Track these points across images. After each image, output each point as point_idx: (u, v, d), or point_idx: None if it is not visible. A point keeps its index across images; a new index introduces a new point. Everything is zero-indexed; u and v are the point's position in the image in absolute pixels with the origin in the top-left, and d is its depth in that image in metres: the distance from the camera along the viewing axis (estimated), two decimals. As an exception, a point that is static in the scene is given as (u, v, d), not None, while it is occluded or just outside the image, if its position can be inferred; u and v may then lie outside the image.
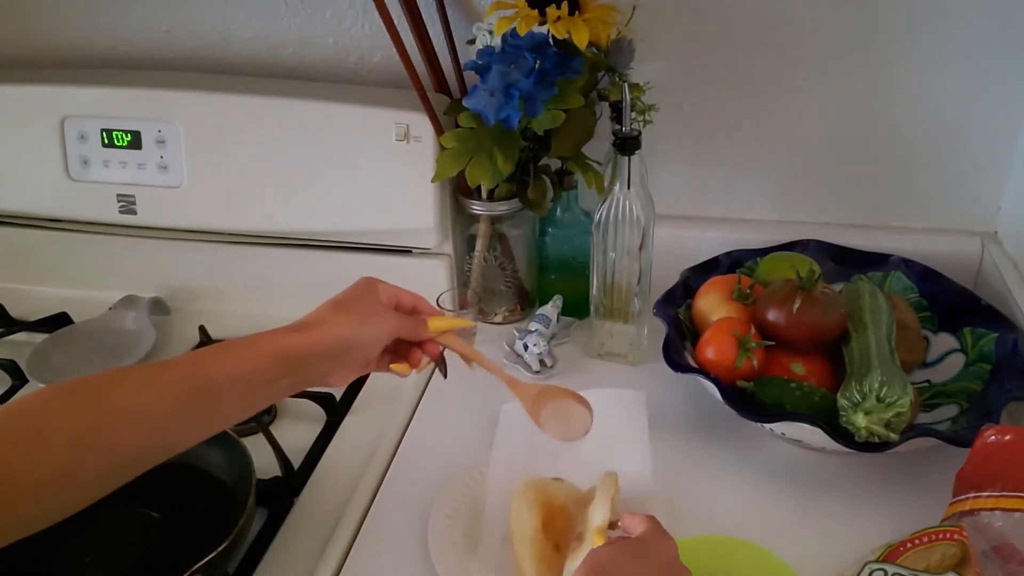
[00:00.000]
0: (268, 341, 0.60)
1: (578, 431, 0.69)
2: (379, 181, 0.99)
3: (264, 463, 0.81)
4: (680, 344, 0.87)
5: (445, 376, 0.74)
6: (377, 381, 0.97)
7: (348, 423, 0.91)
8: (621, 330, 0.95)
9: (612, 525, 0.65)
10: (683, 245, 1.02)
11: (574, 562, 0.65)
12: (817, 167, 1.01)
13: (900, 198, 1.02)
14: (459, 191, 1.00)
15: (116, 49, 1.11)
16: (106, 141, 1.04)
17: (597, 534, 0.64)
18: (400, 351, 0.71)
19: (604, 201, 0.88)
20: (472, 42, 0.93)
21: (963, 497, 0.67)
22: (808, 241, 1.00)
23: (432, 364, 0.73)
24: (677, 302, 0.93)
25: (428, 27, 0.96)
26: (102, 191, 1.06)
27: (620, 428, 0.84)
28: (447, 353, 0.73)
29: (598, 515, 0.66)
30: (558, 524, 0.70)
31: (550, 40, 0.86)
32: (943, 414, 0.81)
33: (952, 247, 0.99)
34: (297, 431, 0.90)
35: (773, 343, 0.84)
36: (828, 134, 0.99)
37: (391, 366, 0.71)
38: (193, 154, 1.02)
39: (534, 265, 1.05)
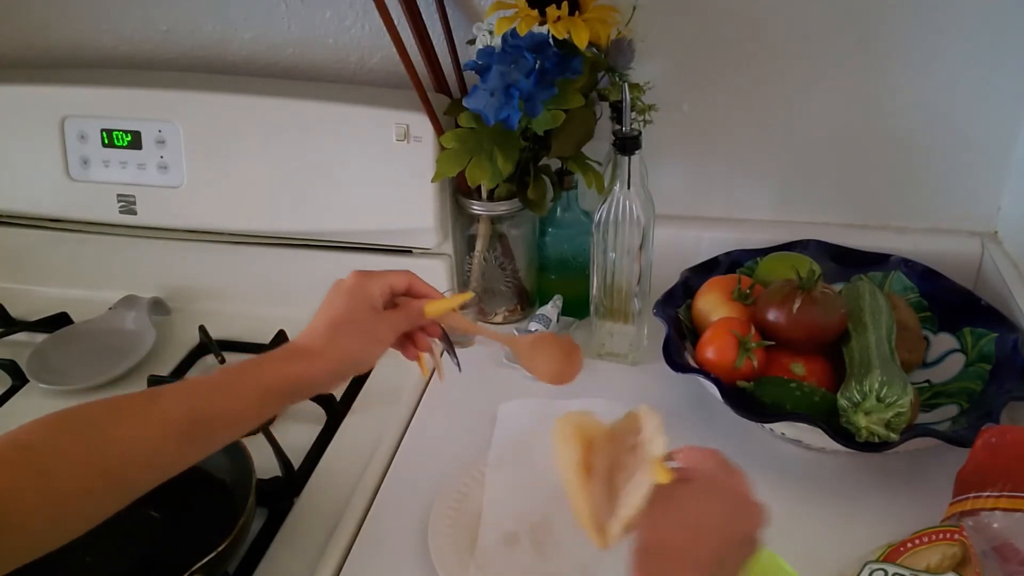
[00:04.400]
0: (266, 372, 0.60)
1: (571, 372, 0.70)
2: (379, 181, 0.99)
3: (264, 463, 0.81)
4: (680, 344, 0.87)
5: (459, 367, 0.74)
6: (377, 381, 0.97)
7: (348, 423, 0.91)
8: (621, 330, 0.95)
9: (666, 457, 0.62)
10: (683, 245, 1.02)
11: (630, 496, 0.61)
12: (817, 167, 1.01)
13: (900, 198, 1.02)
14: (459, 191, 1.00)
15: (116, 49, 1.11)
16: (106, 141, 1.04)
17: (660, 468, 0.60)
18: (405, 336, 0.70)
19: (604, 201, 0.88)
20: (472, 42, 0.93)
21: (963, 497, 0.67)
22: (808, 241, 1.00)
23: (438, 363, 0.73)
24: (677, 302, 0.93)
25: (428, 27, 0.96)
26: (102, 191, 1.06)
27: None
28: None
29: (655, 447, 0.62)
30: (598, 456, 0.68)
31: (550, 40, 0.86)
32: (943, 414, 0.81)
33: (952, 247, 0.99)
34: (297, 431, 0.89)
35: (773, 343, 0.84)
36: (828, 134, 0.99)
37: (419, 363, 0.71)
38: (193, 154, 1.02)
39: (534, 265, 1.05)
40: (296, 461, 0.84)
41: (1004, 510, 0.63)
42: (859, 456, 0.76)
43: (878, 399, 0.73)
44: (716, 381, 0.79)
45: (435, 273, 1.03)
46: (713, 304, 0.90)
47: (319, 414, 0.92)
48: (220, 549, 0.66)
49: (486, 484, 0.78)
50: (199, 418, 0.56)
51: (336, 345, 0.63)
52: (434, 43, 0.97)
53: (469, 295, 0.73)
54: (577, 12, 0.85)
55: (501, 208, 0.98)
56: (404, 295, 0.70)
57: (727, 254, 0.99)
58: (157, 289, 1.11)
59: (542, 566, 0.71)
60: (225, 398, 0.58)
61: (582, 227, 1.00)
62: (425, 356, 0.72)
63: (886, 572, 0.63)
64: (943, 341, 0.90)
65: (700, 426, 0.86)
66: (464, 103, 0.88)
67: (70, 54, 1.12)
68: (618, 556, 0.71)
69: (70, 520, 0.50)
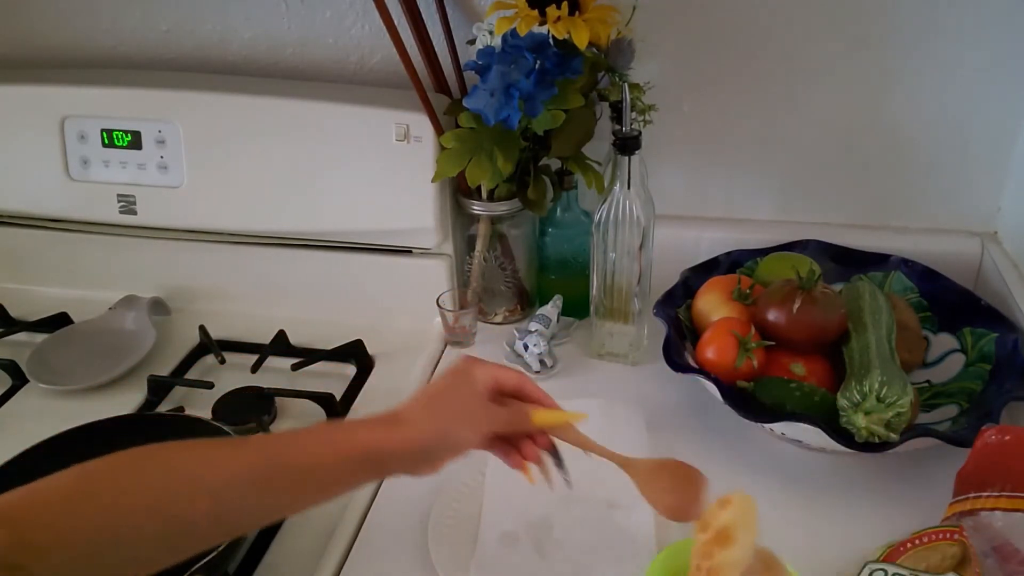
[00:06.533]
0: (354, 436, 0.58)
1: (694, 509, 0.62)
2: (379, 181, 0.99)
3: (264, 463, 0.81)
4: (680, 344, 0.87)
5: (569, 484, 0.67)
6: (377, 381, 0.98)
7: (348, 423, 0.91)
8: (621, 330, 0.95)
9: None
10: (683, 245, 1.02)
11: None
12: (817, 167, 1.01)
13: (900, 198, 1.02)
14: (459, 191, 1.00)
15: (116, 49, 1.11)
16: (106, 141, 1.04)
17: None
18: (506, 438, 0.66)
19: (604, 201, 0.88)
20: (472, 42, 0.93)
21: (963, 497, 0.67)
22: (808, 241, 1.00)
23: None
24: (677, 302, 0.93)
25: (428, 27, 0.96)
26: (102, 191, 1.06)
27: (619, 431, 0.84)
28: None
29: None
30: None
31: (550, 40, 0.86)
32: (943, 414, 0.81)
33: (952, 247, 0.99)
34: (297, 431, 0.90)
35: (773, 343, 0.84)
36: (828, 134, 0.99)
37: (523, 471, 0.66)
38: (193, 154, 1.02)
39: (534, 265, 1.05)
40: (296, 461, 0.84)
41: (1004, 510, 0.63)
42: (859, 456, 0.76)
43: (878, 399, 0.73)
44: (716, 381, 0.79)
45: (435, 273, 1.03)
46: (713, 304, 0.90)
47: (319, 414, 0.92)
48: (220, 549, 0.66)
49: (486, 484, 0.78)
50: (276, 470, 0.54)
51: (429, 418, 0.60)
52: (434, 43, 0.97)
53: (584, 415, 0.65)
54: (577, 12, 0.85)
55: (501, 208, 0.98)
56: (512, 395, 0.66)
57: (727, 254, 0.99)
58: (157, 289, 1.11)
59: (542, 566, 0.71)
60: (307, 451, 0.56)
61: (582, 227, 1.00)
62: (532, 467, 0.66)
63: (886, 572, 0.63)
64: (943, 341, 0.90)
65: (700, 426, 0.86)
66: (464, 103, 0.88)
67: (70, 54, 1.12)
68: (618, 556, 0.71)
69: (116, 551, 0.49)
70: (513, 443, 0.66)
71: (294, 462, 0.55)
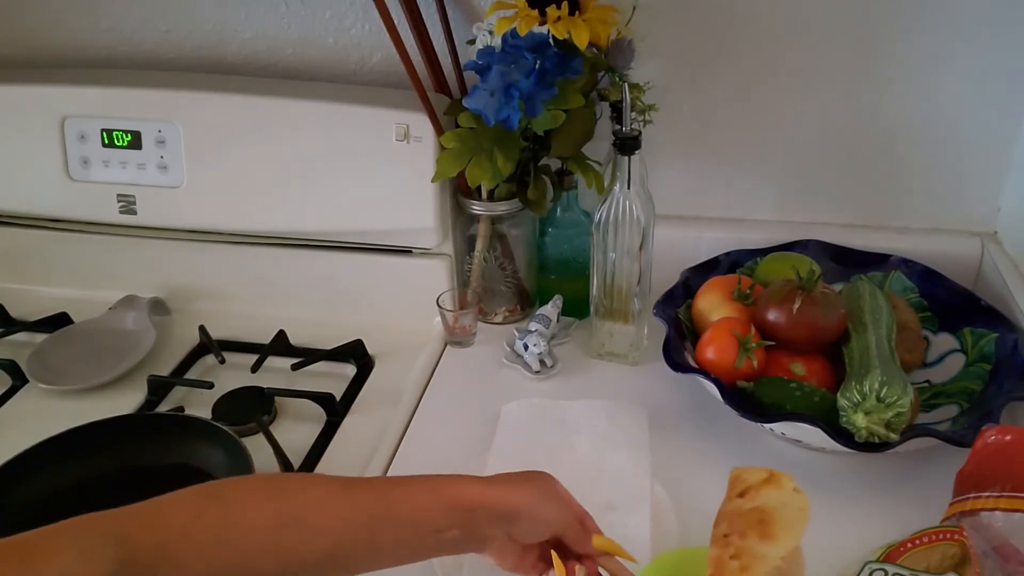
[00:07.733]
0: (450, 487, 0.59)
1: None
2: (379, 181, 0.99)
3: (264, 463, 0.81)
4: (680, 344, 0.87)
5: None
6: (377, 380, 0.98)
7: (348, 423, 0.91)
8: (621, 330, 0.95)
9: None
10: (683, 245, 1.02)
11: None
12: (817, 167, 1.01)
13: (900, 198, 1.02)
14: (459, 191, 1.00)
15: (116, 49, 1.11)
16: (106, 141, 1.04)
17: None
18: (548, 558, 0.65)
19: (604, 201, 0.88)
20: (472, 42, 0.93)
21: (963, 497, 0.67)
22: (808, 241, 1.00)
23: None
24: (677, 302, 0.93)
25: (428, 27, 0.96)
26: (102, 191, 1.06)
27: (621, 432, 0.84)
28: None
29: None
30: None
31: (550, 40, 0.86)
32: (943, 414, 0.81)
33: (952, 247, 0.99)
34: (297, 431, 0.90)
35: (773, 343, 0.84)
36: (828, 134, 0.99)
37: None
38: (193, 154, 1.02)
39: (534, 265, 1.05)
40: (296, 461, 0.84)
41: (1004, 510, 0.63)
42: (859, 456, 0.76)
43: (878, 399, 0.73)
44: (716, 381, 0.79)
45: (435, 273, 1.03)
46: (713, 304, 0.90)
47: (319, 414, 0.92)
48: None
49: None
50: (384, 515, 0.56)
51: (519, 487, 0.61)
52: (434, 43, 0.97)
53: (633, 559, 0.66)
54: (577, 12, 0.85)
55: (501, 208, 0.98)
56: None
57: (727, 254, 0.99)
58: (157, 289, 1.11)
59: (542, 566, 0.71)
60: (410, 500, 0.57)
61: (582, 227, 1.00)
62: None
63: (886, 572, 0.63)
64: (943, 341, 0.90)
65: (700, 426, 0.86)
66: (464, 103, 0.88)
67: (70, 54, 1.12)
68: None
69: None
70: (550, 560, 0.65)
71: (402, 513, 0.56)
